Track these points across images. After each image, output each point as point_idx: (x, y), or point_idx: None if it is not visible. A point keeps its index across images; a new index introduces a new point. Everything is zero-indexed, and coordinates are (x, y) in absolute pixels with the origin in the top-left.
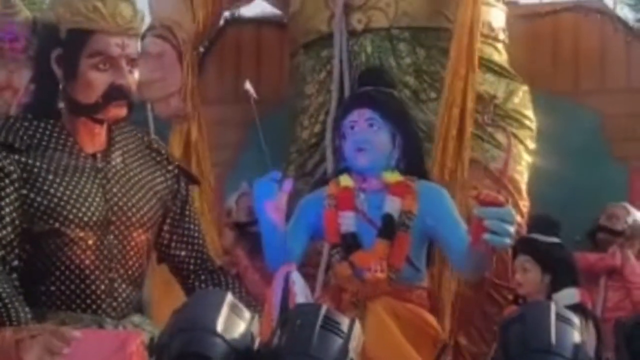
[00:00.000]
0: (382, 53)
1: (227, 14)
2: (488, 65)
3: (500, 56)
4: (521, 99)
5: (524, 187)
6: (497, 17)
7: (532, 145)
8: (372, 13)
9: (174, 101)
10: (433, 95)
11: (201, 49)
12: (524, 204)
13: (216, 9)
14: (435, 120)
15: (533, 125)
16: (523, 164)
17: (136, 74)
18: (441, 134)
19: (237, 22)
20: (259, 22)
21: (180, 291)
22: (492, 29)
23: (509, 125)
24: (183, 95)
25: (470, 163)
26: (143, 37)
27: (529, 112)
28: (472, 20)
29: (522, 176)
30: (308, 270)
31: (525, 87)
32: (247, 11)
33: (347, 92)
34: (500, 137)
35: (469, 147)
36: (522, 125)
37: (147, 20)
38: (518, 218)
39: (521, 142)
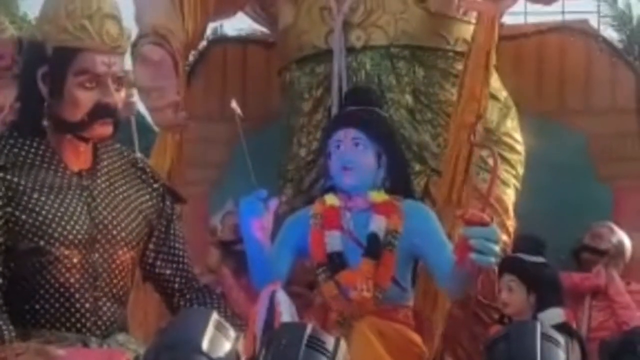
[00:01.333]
0: (382, 71)
1: (210, 33)
2: None
3: (494, 79)
4: (512, 122)
5: (511, 207)
6: None
7: (521, 169)
8: (372, 30)
9: (170, 111)
10: (428, 116)
11: (188, 67)
12: (511, 224)
13: (203, 19)
14: (428, 141)
15: (522, 149)
16: (511, 186)
17: (122, 93)
18: (450, 162)
19: (222, 40)
20: (245, 41)
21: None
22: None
23: (501, 149)
24: (182, 104)
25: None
26: (134, 45)
27: (519, 136)
28: (490, 43)
29: (510, 198)
30: (294, 289)
31: (514, 109)
32: (233, 30)
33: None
34: (486, 157)
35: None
36: (513, 150)
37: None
38: (505, 238)
39: (511, 166)
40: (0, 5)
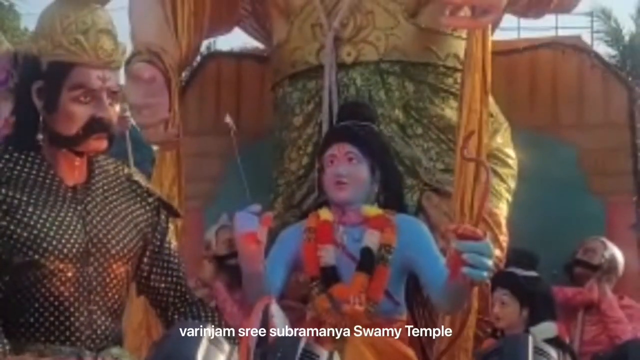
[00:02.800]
0: (372, 86)
1: (204, 48)
2: None
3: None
4: (504, 137)
5: (504, 222)
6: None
7: (513, 184)
8: (362, 46)
9: (162, 128)
10: (419, 130)
11: (182, 82)
12: (504, 239)
13: (197, 36)
14: (419, 155)
15: (514, 164)
16: (504, 201)
17: (117, 107)
18: (459, 184)
19: (217, 55)
20: (239, 56)
21: None
22: (461, 62)
23: (493, 164)
24: (172, 121)
25: (448, 196)
26: (128, 62)
27: (511, 151)
28: (484, 54)
29: (503, 212)
30: (289, 303)
31: (506, 124)
32: (226, 46)
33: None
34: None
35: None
36: (505, 164)
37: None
38: (497, 252)
39: (503, 180)
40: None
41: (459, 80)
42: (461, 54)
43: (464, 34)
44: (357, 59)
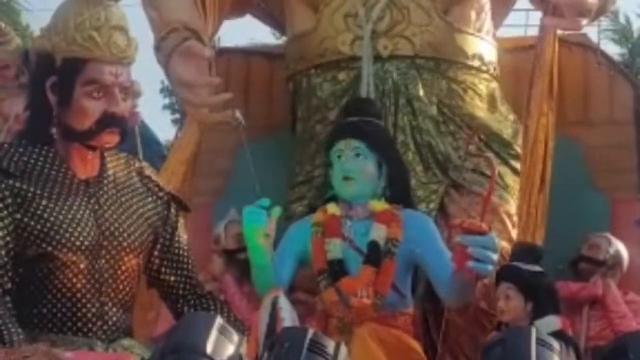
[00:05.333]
0: (409, 80)
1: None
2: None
3: (500, 92)
4: (515, 131)
5: (515, 216)
6: (488, 51)
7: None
8: (398, 40)
9: (205, 110)
10: (451, 128)
11: None
12: (514, 232)
13: (219, 19)
14: (450, 152)
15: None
16: (514, 193)
17: (129, 102)
18: (525, 189)
19: (226, 52)
20: (248, 52)
21: None
22: (484, 63)
23: (517, 163)
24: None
25: (466, 193)
26: (164, 38)
27: (519, 144)
28: (552, 59)
29: (513, 205)
30: (298, 296)
31: (516, 120)
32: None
33: None
34: (484, 166)
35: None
36: (516, 156)
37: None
38: (505, 244)
39: (513, 171)
40: (3, 16)
41: (482, 82)
42: (485, 56)
43: (488, 37)
44: (393, 52)
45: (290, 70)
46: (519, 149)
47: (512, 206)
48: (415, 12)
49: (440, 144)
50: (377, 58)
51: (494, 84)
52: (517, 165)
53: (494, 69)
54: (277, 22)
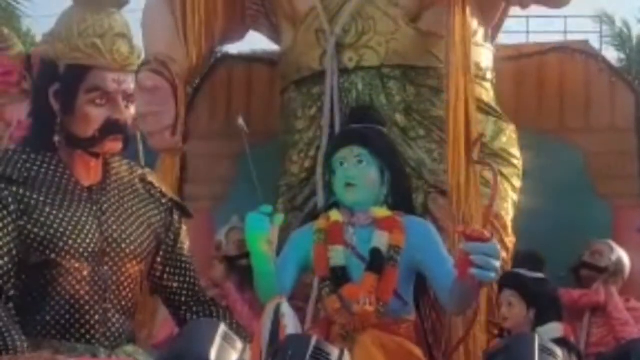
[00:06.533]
0: (373, 90)
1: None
2: (477, 105)
3: (488, 95)
4: (508, 137)
5: (509, 224)
6: (485, 57)
7: (518, 183)
8: (364, 52)
9: (167, 134)
10: (422, 133)
11: (193, 85)
12: (510, 240)
13: (208, 46)
14: (423, 157)
15: (519, 163)
16: (509, 202)
17: (132, 109)
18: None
19: (228, 59)
20: (250, 59)
21: None
22: (480, 69)
23: (497, 164)
24: (176, 129)
25: None
26: (138, 71)
27: (516, 151)
28: (464, 60)
29: (508, 213)
30: (297, 303)
31: (512, 127)
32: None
33: (337, 128)
34: (487, 174)
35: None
36: (509, 164)
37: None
38: (503, 254)
39: (508, 180)
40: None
41: None
42: None
43: (475, 39)
44: (359, 64)
45: (280, 86)
46: (501, 150)
47: (507, 212)
48: (381, 21)
49: (410, 150)
50: (344, 71)
51: (474, 84)
52: (501, 167)
53: (478, 69)
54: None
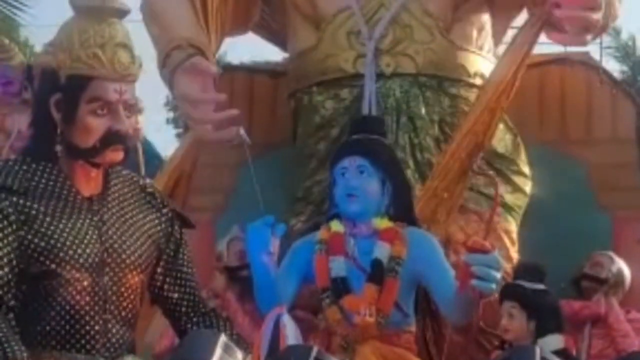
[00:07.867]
0: (411, 98)
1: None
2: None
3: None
4: (524, 156)
5: (515, 235)
6: (489, 69)
7: (527, 189)
8: (401, 58)
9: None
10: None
11: None
12: (515, 250)
13: (220, 34)
14: None
15: (527, 170)
16: (517, 211)
17: (133, 119)
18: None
19: (230, 69)
20: (251, 70)
21: None
22: (484, 79)
23: (516, 178)
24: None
25: (464, 211)
26: (167, 55)
27: (523, 159)
28: (508, 80)
29: (514, 224)
30: (298, 314)
31: (515, 136)
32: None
33: None
34: (482, 185)
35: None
36: (518, 172)
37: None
38: (508, 265)
39: (515, 188)
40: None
41: None
42: (487, 74)
43: (489, 55)
44: (396, 70)
45: (292, 88)
46: (521, 165)
47: (512, 224)
48: (418, 30)
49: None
50: (380, 76)
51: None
52: (519, 180)
53: (484, 80)
54: (278, 39)
